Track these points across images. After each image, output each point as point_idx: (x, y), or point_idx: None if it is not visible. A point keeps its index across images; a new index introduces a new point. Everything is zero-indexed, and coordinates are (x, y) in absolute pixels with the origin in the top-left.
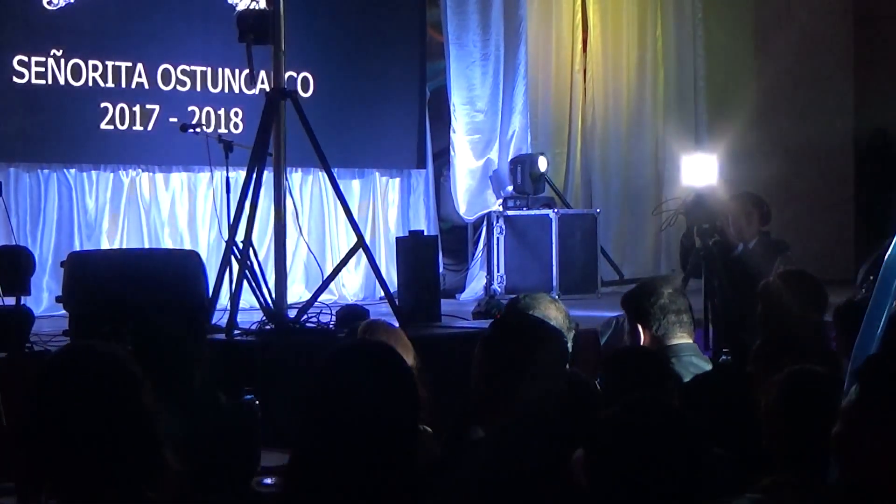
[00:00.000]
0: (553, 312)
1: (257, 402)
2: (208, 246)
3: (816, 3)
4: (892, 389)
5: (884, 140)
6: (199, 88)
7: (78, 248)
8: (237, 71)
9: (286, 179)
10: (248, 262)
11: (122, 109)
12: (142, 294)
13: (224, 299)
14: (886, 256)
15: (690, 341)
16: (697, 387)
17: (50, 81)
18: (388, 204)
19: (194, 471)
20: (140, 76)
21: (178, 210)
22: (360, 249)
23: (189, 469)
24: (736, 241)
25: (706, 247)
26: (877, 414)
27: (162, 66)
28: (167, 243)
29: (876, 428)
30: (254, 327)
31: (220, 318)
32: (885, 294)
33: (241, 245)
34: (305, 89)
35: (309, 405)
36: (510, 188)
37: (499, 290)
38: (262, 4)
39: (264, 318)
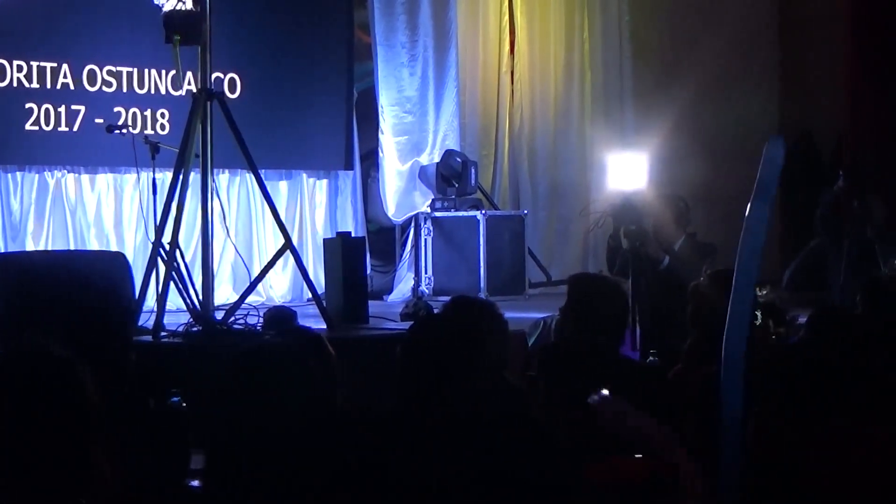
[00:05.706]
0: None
1: (184, 405)
2: (135, 247)
3: (743, 7)
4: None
5: (809, 142)
6: (125, 89)
7: (2, 250)
8: (164, 72)
9: (213, 181)
10: (175, 264)
11: (47, 110)
12: (67, 296)
13: (151, 301)
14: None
15: None
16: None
17: None
18: (316, 205)
19: (124, 476)
20: (65, 77)
21: (104, 211)
22: (288, 251)
23: (119, 474)
24: (662, 244)
25: (633, 248)
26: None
27: (88, 67)
28: (93, 245)
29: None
30: (181, 329)
31: (146, 319)
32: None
33: (167, 246)
34: (232, 90)
35: (218, 407)
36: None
37: (426, 291)
38: (189, 5)
39: (191, 319)
